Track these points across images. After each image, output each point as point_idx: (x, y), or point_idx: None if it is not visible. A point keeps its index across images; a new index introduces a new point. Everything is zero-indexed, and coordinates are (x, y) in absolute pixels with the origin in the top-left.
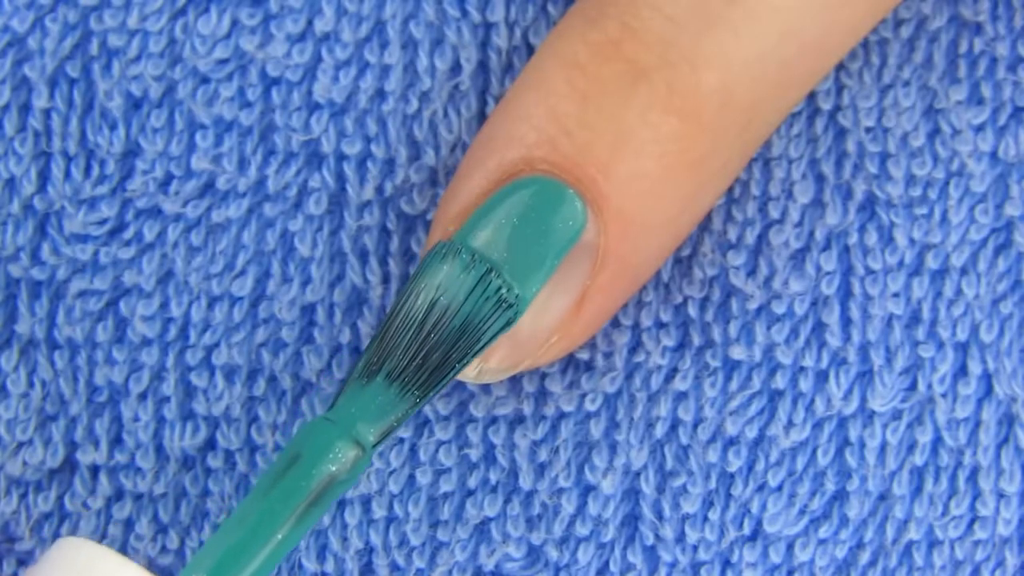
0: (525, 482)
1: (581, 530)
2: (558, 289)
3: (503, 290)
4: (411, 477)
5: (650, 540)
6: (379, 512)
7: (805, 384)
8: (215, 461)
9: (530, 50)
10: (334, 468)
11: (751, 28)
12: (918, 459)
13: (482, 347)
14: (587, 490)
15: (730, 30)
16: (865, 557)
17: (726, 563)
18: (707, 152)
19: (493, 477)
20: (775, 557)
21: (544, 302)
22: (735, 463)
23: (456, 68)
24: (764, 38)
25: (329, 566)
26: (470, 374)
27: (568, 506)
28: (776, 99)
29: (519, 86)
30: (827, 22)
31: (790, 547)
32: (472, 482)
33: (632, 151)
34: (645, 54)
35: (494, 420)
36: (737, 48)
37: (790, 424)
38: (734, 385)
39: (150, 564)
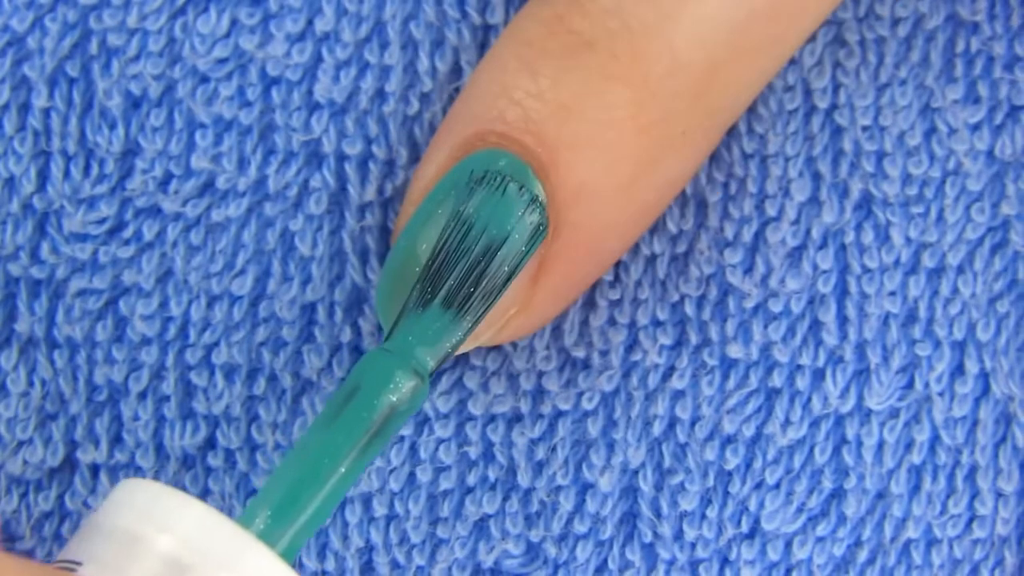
0: (523, 480)
1: (579, 527)
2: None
3: (525, 195)
4: (411, 475)
5: (648, 538)
6: (380, 510)
7: (802, 382)
8: (215, 460)
9: None
10: (395, 398)
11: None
12: (916, 458)
13: (526, 254)
14: (585, 488)
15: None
16: (863, 555)
17: (724, 561)
18: (658, 117)
19: (492, 475)
20: (773, 555)
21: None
22: (733, 461)
23: (456, 70)
24: (709, 0)
25: (330, 564)
26: None
27: (566, 504)
28: (733, 65)
29: (477, 70)
30: None
31: (788, 545)
32: (471, 480)
33: (578, 118)
34: (589, 25)
35: (493, 418)
36: (681, 12)
37: (787, 422)
38: (731, 383)
39: None
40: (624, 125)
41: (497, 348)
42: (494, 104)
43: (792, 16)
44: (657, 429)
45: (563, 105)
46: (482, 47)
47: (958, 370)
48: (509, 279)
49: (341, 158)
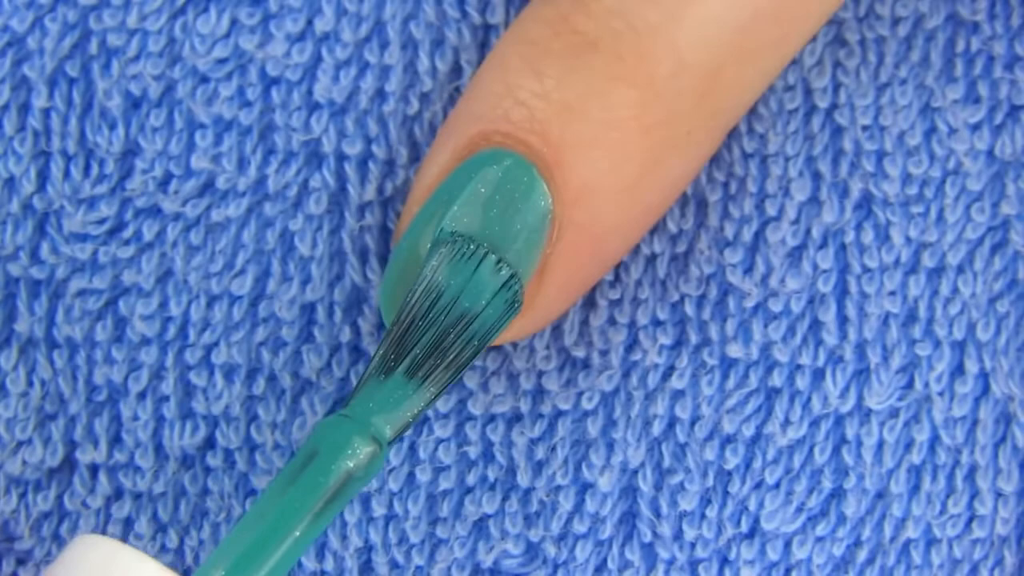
0: (523, 480)
1: (579, 527)
2: None
3: (503, 270)
4: (410, 475)
5: (648, 537)
6: (379, 510)
7: (802, 382)
8: (214, 460)
9: None
10: (351, 464)
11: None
12: (915, 457)
13: (497, 330)
14: (585, 488)
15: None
16: (863, 555)
17: (724, 560)
18: (663, 118)
19: (491, 475)
20: (773, 555)
21: None
22: (732, 461)
23: (457, 69)
24: (713, 2)
25: (328, 564)
26: None
27: (565, 503)
28: (736, 66)
29: (480, 69)
30: None
31: (788, 545)
32: (471, 480)
33: (582, 118)
34: (594, 26)
35: (492, 418)
36: (685, 13)
37: (787, 422)
38: (731, 383)
39: None
40: (629, 125)
41: (497, 348)
42: (498, 104)
43: (795, 18)
44: (657, 429)
45: (568, 105)
46: (483, 47)
47: (958, 370)
48: (476, 353)
49: (341, 158)
